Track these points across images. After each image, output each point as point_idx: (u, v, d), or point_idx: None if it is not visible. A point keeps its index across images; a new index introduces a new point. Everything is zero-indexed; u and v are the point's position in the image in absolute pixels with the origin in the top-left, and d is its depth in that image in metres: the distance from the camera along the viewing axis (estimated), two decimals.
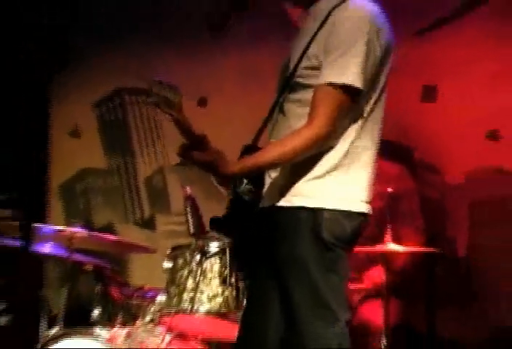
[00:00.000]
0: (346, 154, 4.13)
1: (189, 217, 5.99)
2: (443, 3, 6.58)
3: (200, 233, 5.90)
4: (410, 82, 6.37)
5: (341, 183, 4.12)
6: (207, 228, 5.68)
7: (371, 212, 4.18)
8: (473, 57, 6.39)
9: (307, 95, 4.12)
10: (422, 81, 6.58)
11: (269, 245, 4.21)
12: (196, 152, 4.18)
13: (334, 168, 4.12)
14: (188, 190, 6.04)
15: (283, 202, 4.16)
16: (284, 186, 4.19)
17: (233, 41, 7.44)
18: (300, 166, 4.13)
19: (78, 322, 6.11)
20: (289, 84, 4.23)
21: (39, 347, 5.75)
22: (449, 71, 6.50)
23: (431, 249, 5.90)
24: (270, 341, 4.27)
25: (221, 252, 5.62)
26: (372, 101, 4.14)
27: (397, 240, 5.67)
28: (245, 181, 4.18)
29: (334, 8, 4.10)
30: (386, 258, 5.73)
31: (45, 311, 6.38)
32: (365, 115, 4.13)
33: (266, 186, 4.22)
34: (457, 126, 6.42)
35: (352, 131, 4.13)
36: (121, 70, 8.01)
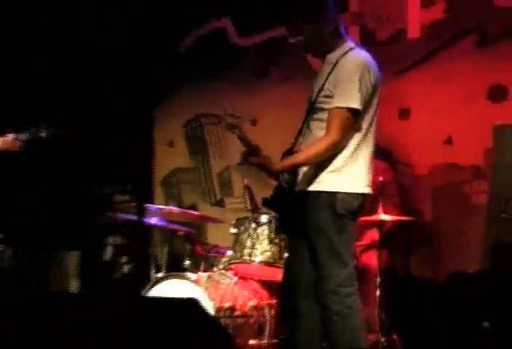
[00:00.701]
0: (352, 155, 4.30)
1: (247, 198, 6.09)
2: (413, 53, 6.57)
3: (254, 209, 5.96)
4: (391, 106, 6.37)
5: (349, 174, 4.30)
6: (259, 206, 5.75)
7: (371, 192, 4.39)
8: (433, 89, 6.41)
9: (324, 115, 4.31)
10: (399, 105, 6.57)
11: (301, 216, 4.39)
12: (252, 157, 4.31)
13: (344, 164, 4.30)
14: (246, 181, 6.19)
15: (310, 187, 4.37)
16: (311, 177, 4.37)
17: (273, 82, 7.52)
18: (321, 163, 4.30)
19: (175, 269, 6.17)
20: (312, 108, 4.43)
21: (150, 285, 5.75)
22: (418, 99, 6.53)
23: (407, 218, 6.00)
24: (303, 279, 4.45)
25: (269, 222, 5.72)
26: (369, 119, 4.36)
27: (385, 212, 5.74)
28: (285, 174, 4.38)
29: (340, 57, 4.34)
30: (378, 224, 5.77)
31: (153, 262, 6.38)
32: (364, 129, 4.34)
33: (299, 177, 4.37)
34: (423, 135, 6.46)
35: (356, 140, 4.31)
36: (199, 102, 8.03)
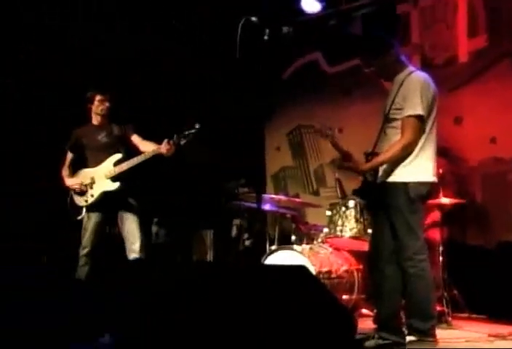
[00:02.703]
0: (418, 152, 4.25)
1: (337, 188, 6.08)
2: (463, 74, 6.47)
3: (343, 197, 5.94)
4: (448, 115, 6.28)
5: (417, 167, 4.27)
6: (348, 194, 5.75)
7: (436, 181, 4.37)
8: (480, 101, 6.32)
9: (397, 123, 4.30)
10: (454, 114, 6.46)
11: (383, 201, 4.36)
12: (345, 162, 4.41)
13: (412, 160, 4.26)
14: (336, 174, 6.14)
15: (389, 179, 4.35)
16: (389, 171, 4.33)
17: (354, 100, 7.44)
18: (397, 160, 4.27)
19: (284, 243, 6.15)
20: (387, 118, 4.39)
21: (266, 255, 5.73)
22: (468, 108, 6.43)
23: (462, 200, 5.90)
24: (386, 249, 4.43)
25: (355, 206, 5.70)
26: (430, 123, 4.31)
27: (445, 196, 5.68)
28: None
29: (405, 78, 4.35)
30: (440, 205, 5.74)
31: (268, 238, 6.38)
32: (427, 131, 4.30)
33: (380, 172, 4.33)
34: (473, 137, 6.36)
35: (422, 140, 4.27)
36: (298, 116, 8.03)
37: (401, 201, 4.23)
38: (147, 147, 5.57)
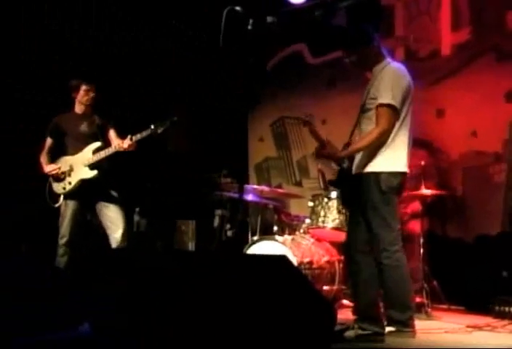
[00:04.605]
0: (391, 142, 4.28)
1: (320, 179, 6.03)
2: (446, 67, 6.48)
3: (325, 188, 5.94)
4: (430, 107, 6.33)
5: (390, 157, 4.29)
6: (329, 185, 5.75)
7: (408, 171, 4.35)
8: (462, 94, 6.33)
9: (370, 113, 4.33)
10: (436, 107, 6.45)
11: (357, 192, 4.39)
12: (322, 150, 4.44)
13: (385, 150, 4.28)
14: (319, 165, 6.10)
15: (362, 170, 4.37)
16: (363, 162, 4.37)
17: (339, 91, 7.43)
18: (369, 150, 4.30)
19: (266, 233, 6.18)
20: (363, 109, 4.43)
21: (248, 246, 5.74)
22: (451, 101, 6.43)
23: (443, 192, 5.90)
24: (360, 239, 4.42)
25: (337, 197, 5.70)
26: (404, 112, 4.32)
27: (426, 188, 5.69)
28: (346, 161, 4.43)
29: (382, 69, 4.40)
30: (421, 197, 5.74)
31: (250, 228, 6.40)
32: (400, 121, 4.30)
33: (355, 162, 4.39)
34: (455, 130, 6.37)
35: (394, 129, 4.28)
36: (282, 107, 8.04)
37: (373, 192, 4.25)
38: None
